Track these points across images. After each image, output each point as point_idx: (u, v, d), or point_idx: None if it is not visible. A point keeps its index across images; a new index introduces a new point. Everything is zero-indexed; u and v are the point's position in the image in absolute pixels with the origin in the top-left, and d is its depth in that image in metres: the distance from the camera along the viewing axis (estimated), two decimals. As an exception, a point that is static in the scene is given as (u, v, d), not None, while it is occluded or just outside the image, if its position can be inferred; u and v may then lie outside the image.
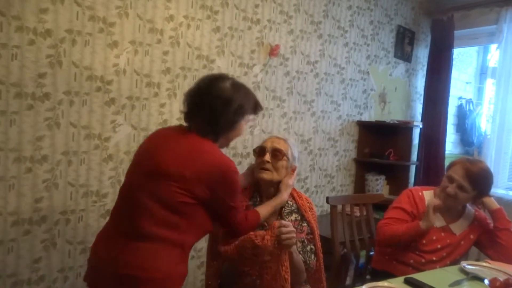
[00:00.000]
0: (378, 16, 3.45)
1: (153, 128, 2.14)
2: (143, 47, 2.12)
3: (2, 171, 1.75)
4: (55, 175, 1.89)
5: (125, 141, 2.10)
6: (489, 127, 3.55)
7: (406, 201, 1.92)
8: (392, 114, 3.72)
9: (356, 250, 2.14)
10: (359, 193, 3.31)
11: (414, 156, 3.70)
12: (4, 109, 1.73)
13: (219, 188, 1.28)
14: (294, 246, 1.44)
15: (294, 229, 1.34)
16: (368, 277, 2.13)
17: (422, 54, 3.92)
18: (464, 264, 1.61)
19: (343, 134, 3.32)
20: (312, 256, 1.55)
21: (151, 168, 1.27)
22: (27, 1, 1.74)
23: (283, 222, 1.34)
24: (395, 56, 3.67)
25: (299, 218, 1.57)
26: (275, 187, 1.56)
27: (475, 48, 4.17)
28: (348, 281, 2.26)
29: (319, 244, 1.57)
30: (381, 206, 2.29)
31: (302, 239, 1.54)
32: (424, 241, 1.85)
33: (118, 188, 2.05)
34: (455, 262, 1.81)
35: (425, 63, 3.88)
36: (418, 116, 3.95)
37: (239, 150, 2.62)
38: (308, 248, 1.54)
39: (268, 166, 1.52)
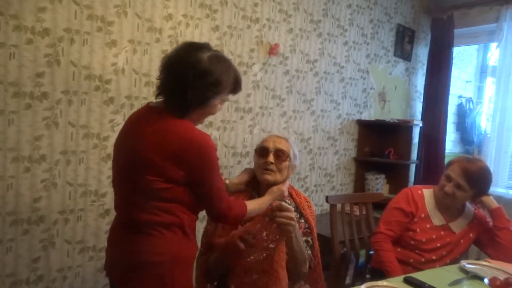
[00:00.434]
0: (378, 15, 3.44)
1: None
2: (142, 46, 2.11)
3: (1, 171, 1.75)
4: (53, 175, 1.89)
5: (124, 140, 2.10)
6: (489, 125, 3.55)
7: (404, 200, 1.92)
8: (392, 113, 3.71)
9: (356, 249, 2.13)
10: (358, 192, 3.31)
11: (414, 155, 3.69)
12: (2, 109, 1.72)
13: (193, 165, 1.18)
14: (299, 234, 1.39)
15: (293, 210, 1.29)
16: (367, 276, 2.13)
17: (422, 52, 3.91)
18: (464, 263, 1.60)
19: (343, 133, 3.32)
20: (309, 250, 1.52)
21: (124, 161, 1.25)
22: (25, 0, 1.73)
23: (283, 204, 1.29)
24: (395, 55, 3.66)
25: (297, 215, 1.56)
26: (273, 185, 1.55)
27: (475, 46, 4.16)
28: (348, 280, 2.26)
29: (317, 244, 1.56)
30: (381, 205, 2.28)
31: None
32: (423, 240, 1.84)
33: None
34: (455, 261, 1.80)
35: (425, 62, 3.87)
36: (418, 115, 3.94)
37: (239, 149, 2.62)
38: (304, 239, 1.52)
39: (272, 167, 1.49)
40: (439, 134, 3.62)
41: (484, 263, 1.65)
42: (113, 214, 2.09)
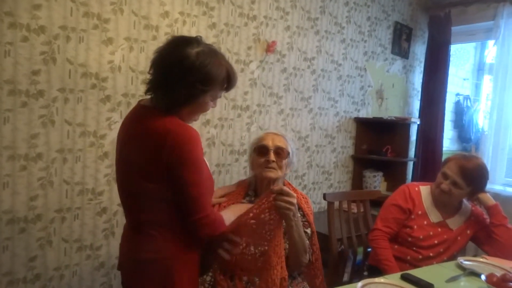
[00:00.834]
0: (375, 12, 3.44)
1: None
2: (138, 43, 2.10)
3: (-3, 169, 1.74)
4: (50, 173, 1.88)
5: (121, 138, 2.09)
6: (487, 123, 3.56)
7: (401, 197, 1.92)
8: (390, 111, 3.71)
9: (354, 247, 2.14)
10: (356, 190, 3.31)
11: (411, 152, 3.70)
12: (-2, 107, 1.71)
13: (170, 160, 1.10)
14: (299, 223, 1.37)
15: (295, 196, 1.27)
16: (365, 273, 2.13)
17: (419, 50, 3.91)
18: (461, 259, 1.60)
19: (341, 131, 3.32)
20: (307, 240, 1.51)
21: (118, 165, 1.27)
22: (20, -3, 1.72)
23: (284, 188, 1.27)
24: (392, 52, 3.66)
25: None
26: (273, 184, 1.55)
27: (473, 44, 4.16)
28: (346, 277, 2.26)
29: (316, 239, 1.56)
30: (379, 202, 2.28)
31: None
32: (421, 237, 1.85)
33: (114, 185, 2.06)
34: (452, 258, 1.80)
35: (423, 60, 3.87)
36: (416, 113, 3.94)
37: (236, 147, 2.61)
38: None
39: (273, 165, 1.50)
40: (436, 131, 3.63)
41: (481, 259, 1.65)
42: (110, 212, 2.09)
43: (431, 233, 1.85)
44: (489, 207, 1.84)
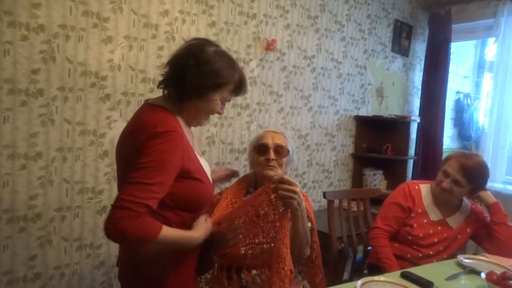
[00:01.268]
0: (375, 10, 3.43)
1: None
2: (138, 42, 2.10)
3: (-4, 168, 1.74)
4: (50, 172, 1.88)
5: (121, 137, 2.09)
6: (487, 121, 3.55)
7: (402, 195, 1.92)
8: (390, 109, 3.71)
9: (354, 245, 2.13)
10: (356, 188, 3.31)
11: (411, 150, 3.70)
12: (-3, 106, 1.71)
13: (140, 150, 1.03)
14: (304, 214, 1.35)
15: (298, 184, 1.24)
16: (365, 272, 2.13)
17: (419, 48, 3.90)
18: (461, 257, 1.60)
19: (341, 129, 3.31)
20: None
21: (117, 164, 1.26)
22: (19, -4, 1.72)
23: (285, 176, 1.25)
24: (393, 50, 3.65)
25: None
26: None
27: (473, 42, 4.15)
28: (346, 276, 2.26)
29: (316, 236, 1.56)
30: (379, 200, 2.28)
31: None
32: (421, 235, 1.85)
33: (114, 184, 2.05)
34: (452, 256, 1.80)
35: (423, 57, 3.86)
36: (416, 111, 3.94)
37: (236, 145, 2.61)
38: None
39: (273, 163, 1.51)
40: (436, 129, 3.62)
41: (481, 257, 1.65)
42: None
43: (431, 231, 1.85)
44: (489, 205, 1.84)
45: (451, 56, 3.67)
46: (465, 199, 1.92)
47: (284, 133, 1.61)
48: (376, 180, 3.36)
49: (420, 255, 1.84)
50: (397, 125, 3.42)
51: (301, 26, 2.88)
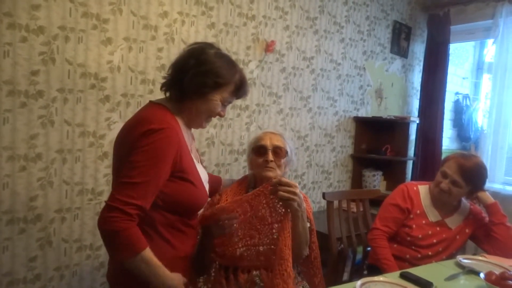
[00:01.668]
0: (374, 12, 3.44)
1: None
2: (138, 43, 2.10)
3: (-4, 170, 1.74)
4: (49, 173, 1.88)
5: (120, 138, 2.09)
6: (486, 122, 3.55)
7: (400, 196, 1.93)
8: (389, 110, 3.72)
9: (353, 246, 2.14)
10: (356, 189, 3.31)
11: (411, 151, 3.71)
12: (-3, 107, 1.71)
13: (132, 147, 1.05)
14: (305, 214, 1.35)
15: (297, 186, 1.26)
16: (365, 272, 2.13)
17: (418, 49, 3.91)
18: (460, 258, 1.61)
19: (340, 130, 3.32)
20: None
21: None
22: (19, -3, 1.73)
23: (283, 178, 1.26)
24: (392, 51, 3.66)
25: None
26: None
27: (472, 43, 4.17)
28: (345, 276, 2.26)
29: (315, 237, 1.56)
30: (378, 201, 2.29)
31: None
32: (420, 236, 1.85)
33: (113, 185, 2.05)
34: (451, 256, 1.81)
35: (422, 59, 3.87)
36: (415, 112, 3.95)
37: (235, 146, 2.62)
38: None
39: (272, 164, 1.51)
40: (436, 130, 3.63)
41: (480, 258, 1.65)
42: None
43: (430, 232, 1.85)
44: (488, 205, 1.84)
45: (450, 57, 3.67)
46: (463, 200, 1.93)
47: (283, 134, 1.61)
48: (375, 181, 3.37)
49: (419, 255, 1.84)
50: (396, 126, 3.42)
51: (300, 27, 2.88)
